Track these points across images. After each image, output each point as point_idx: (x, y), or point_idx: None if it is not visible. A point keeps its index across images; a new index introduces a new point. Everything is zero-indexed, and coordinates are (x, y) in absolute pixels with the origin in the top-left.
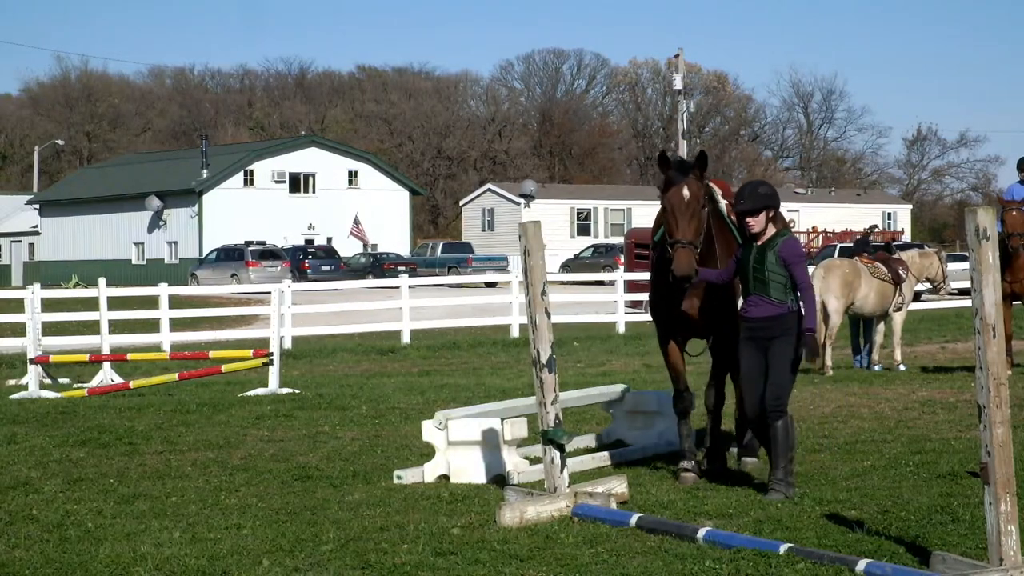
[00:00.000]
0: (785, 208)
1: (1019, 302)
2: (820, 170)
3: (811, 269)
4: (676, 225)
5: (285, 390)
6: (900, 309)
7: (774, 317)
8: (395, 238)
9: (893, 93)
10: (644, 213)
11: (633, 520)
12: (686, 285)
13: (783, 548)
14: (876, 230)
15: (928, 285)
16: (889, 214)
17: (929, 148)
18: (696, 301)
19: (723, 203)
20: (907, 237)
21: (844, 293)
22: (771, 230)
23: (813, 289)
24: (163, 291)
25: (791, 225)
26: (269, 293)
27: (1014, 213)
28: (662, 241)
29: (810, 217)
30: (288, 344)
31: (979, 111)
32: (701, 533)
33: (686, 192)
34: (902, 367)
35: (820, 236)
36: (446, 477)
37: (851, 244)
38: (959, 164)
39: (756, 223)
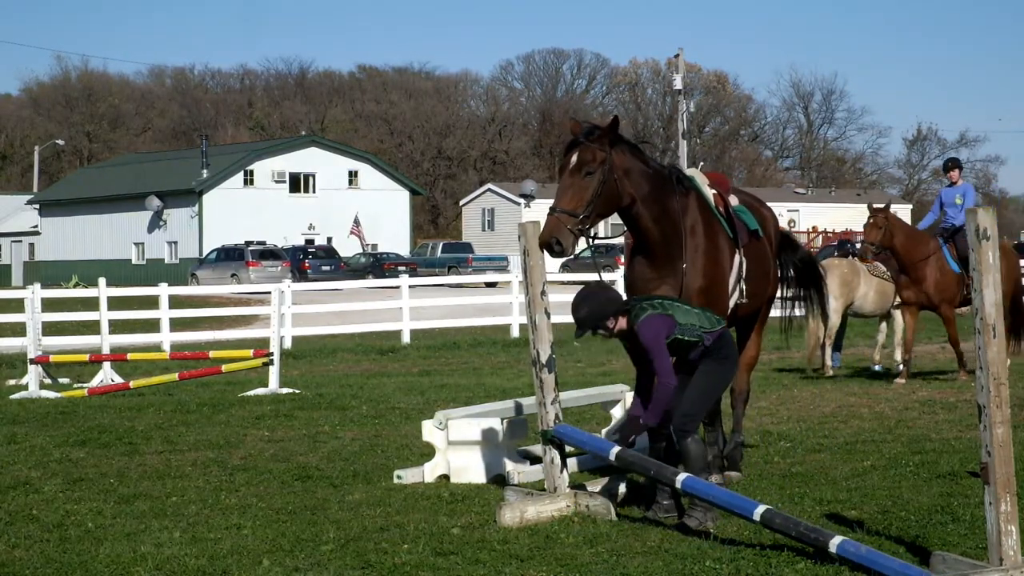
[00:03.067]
0: (785, 208)
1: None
2: (820, 170)
3: None
4: (559, 193)
5: (285, 390)
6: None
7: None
8: (395, 238)
9: (893, 93)
10: None
11: (613, 453)
12: (553, 257)
13: (759, 509)
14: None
15: None
16: None
17: (929, 148)
18: (670, 290)
19: (710, 192)
20: None
21: (843, 292)
22: (622, 323)
23: (670, 384)
24: (163, 291)
25: (791, 225)
26: (269, 293)
27: (871, 221)
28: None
29: (810, 217)
30: (288, 344)
31: (979, 111)
32: (680, 478)
33: (574, 158)
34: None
35: (820, 236)
36: (446, 477)
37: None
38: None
39: (612, 331)
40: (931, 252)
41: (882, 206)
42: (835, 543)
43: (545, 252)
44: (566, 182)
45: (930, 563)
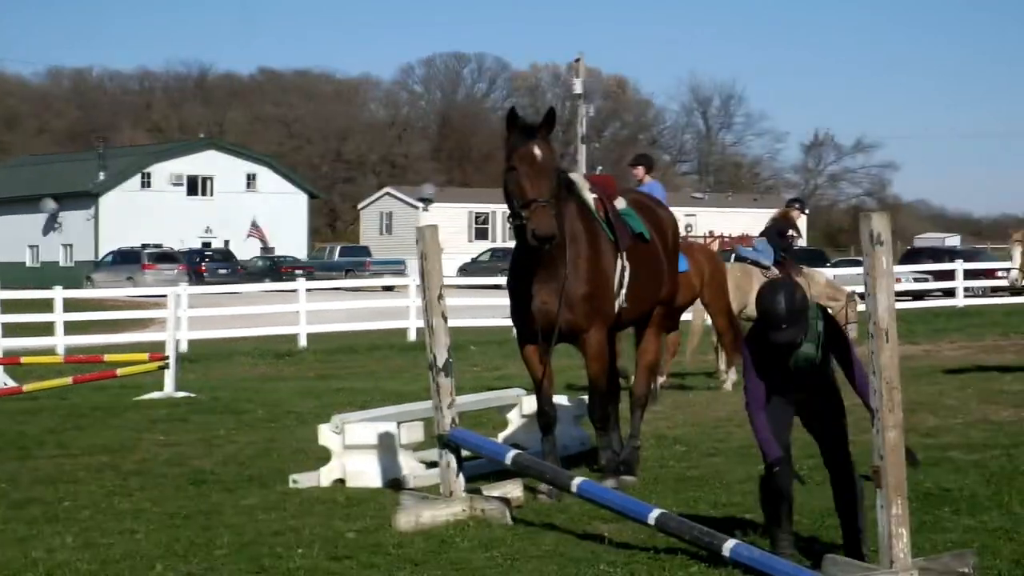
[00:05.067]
0: (683, 213)
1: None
2: (718, 175)
3: None
4: (531, 184)
5: (181, 394)
6: None
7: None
8: (293, 241)
9: (790, 98)
10: None
11: (509, 457)
12: (547, 247)
13: (654, 513)
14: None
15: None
16: None
17: (825, 153)
18: (553, 297)
19: (590, 197)
20: (803, 242)
21: (735, 296)
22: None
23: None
24: (58, 294)
25: (688, 230)
26: (165, 296)
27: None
28: (517, 216)
29: (708, 221)
30: (184, 347)
31: (874, 117)
32: (576, 482)
33: (538, 150)
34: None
35: (718, 241)
36: (342, 481)
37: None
38: (855, 169)
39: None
40: None
41: None
42: (728, 546)
43: (538, 244)
44: (538, 171)
45: (822, 566)
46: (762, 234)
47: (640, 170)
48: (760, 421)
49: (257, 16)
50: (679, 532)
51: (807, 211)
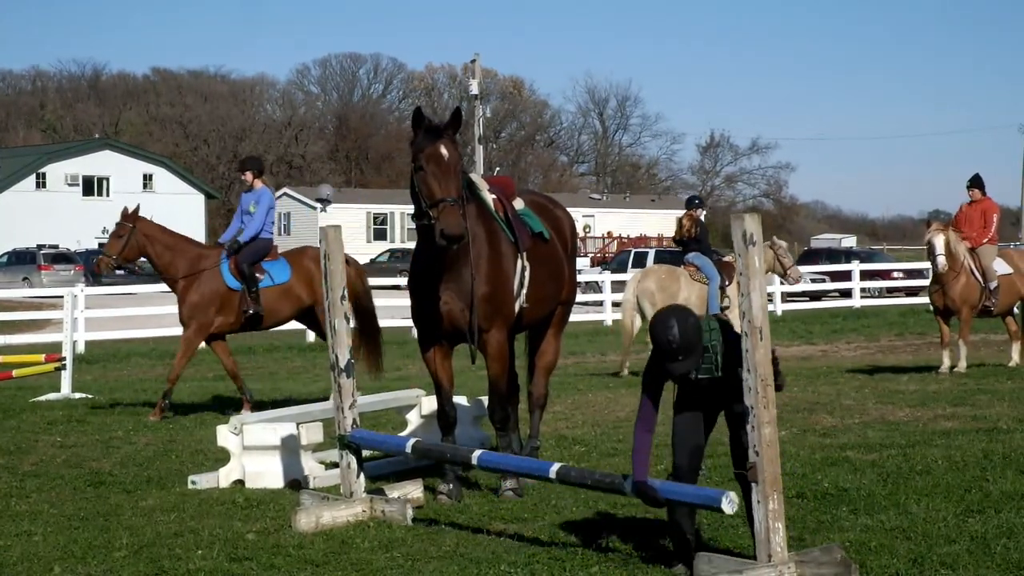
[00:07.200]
0: (580, 214)
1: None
2: (615, 176)
3: (610, 276)
4: (439, 184)
5: (78, 395)
6: (727, 309)
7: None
8: None
9: (686, 100)
10: None
11: (409, 445)
12: (454, 247)
13: (555, 467)
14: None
15: (779, 280)
16: None
17: (722, 154)
18: (456, 297)
19: (490, 198)
20: None
21: (662, 299)
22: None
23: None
24: None
25: (587, 231)
26: (62, 297)
27: (115, 229)
28: (423, 216)
29: (605, 222)
30: (81, 348)
31: (769, 118)
32: (476, 455)
33: (444, 150)
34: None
35: (615, 242)
36: (241, 482)
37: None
38: (751, 170)
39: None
40: (205, 266)
41: (134, 208)
42: (628, 485)
43: (447, 244)
44: (445, 171)
45: (694, 564)
46: (683, 244)
47: (249, 175)
48: (640, 441)
49: (150, 15)
50: (580, 480)
51: (706, 205)
